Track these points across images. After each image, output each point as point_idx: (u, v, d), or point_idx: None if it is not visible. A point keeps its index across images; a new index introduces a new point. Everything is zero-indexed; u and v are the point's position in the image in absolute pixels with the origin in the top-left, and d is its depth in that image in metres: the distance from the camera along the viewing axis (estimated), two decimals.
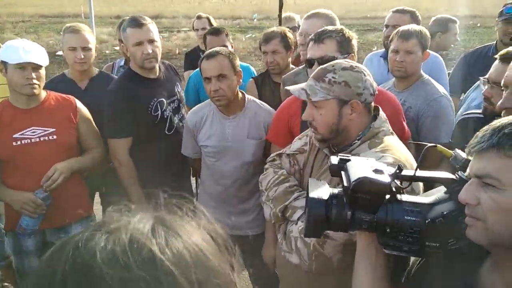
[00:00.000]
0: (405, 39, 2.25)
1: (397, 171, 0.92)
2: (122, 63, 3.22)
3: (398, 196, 0.92)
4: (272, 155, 1.84)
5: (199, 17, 4.13)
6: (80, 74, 2.57)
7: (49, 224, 2.17)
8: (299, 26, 3.11)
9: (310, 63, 1.91)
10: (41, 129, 2.11)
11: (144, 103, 2.32)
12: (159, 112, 2.38)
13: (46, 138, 2.11)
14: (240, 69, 2.18)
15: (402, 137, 1.82)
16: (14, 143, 2.06)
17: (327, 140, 1.53)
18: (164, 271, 0.46)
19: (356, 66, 1.48)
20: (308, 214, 0.94)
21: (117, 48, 12.74)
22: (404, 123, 2.03)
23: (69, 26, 2.55)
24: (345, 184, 0.92)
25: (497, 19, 2.92)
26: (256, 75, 3.02)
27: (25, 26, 19.95)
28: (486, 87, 1.81)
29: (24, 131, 2.08)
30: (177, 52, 11.53)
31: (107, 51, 11.65)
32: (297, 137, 1.79)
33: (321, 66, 1.54)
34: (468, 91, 2.49)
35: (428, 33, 2.33)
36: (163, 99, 2.41)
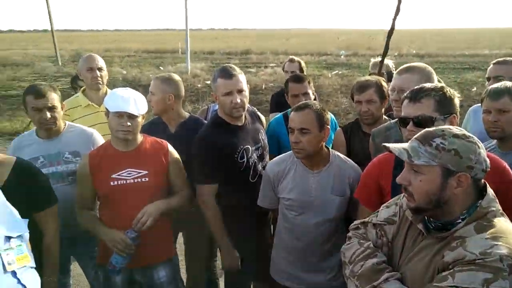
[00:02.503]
0: (495, 99, 2.05)
1: None
2: (217, 107, 3.32)
3: None
4: (355, 222, 1.68)
5: (291, 60, 4.18)
6: (170, 118, 2.72)
7: (136, 264, 2.25)
8: (391, 73, 2.97)
9: (404, 122, 1.77)
10: (136, 171, 2.23)
11: (231, 150, 2.37)
12: (245, 159, 2.40)
13: (139, 180, 2.23)
14: (329, 126, 2.14)
15: None
16: (111, 183, 2.20)
17: (422, 211, 1.36)
18: None
19: (469, 136, 1.32)
20: None
21: (208, 82, 13.55)
22: None
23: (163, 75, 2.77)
24: None
25: None
26: (335, 124, 2.92)
27: (130, 60, 22.06)
28: None
29: (121, 172, 2.22)
30: (263, 87, 11.85)
31: (199, 85, 12.37)
32: (384, 205, 1.63)
33: (427, 129, 1.39)
34: None
35: None
36: (249, 146, 2.44)
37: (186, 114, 2.81)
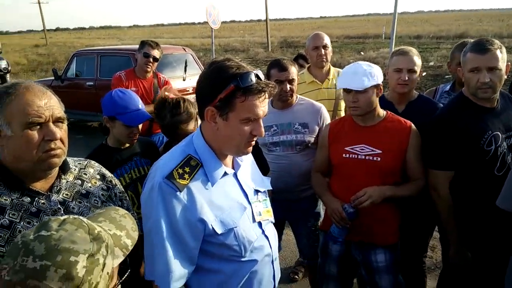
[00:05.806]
0: None
1: None
2: (447, 88, 3.00)
3: None
4: None
5: None
6: (400, 96, 2.55)
7: (354, 238, 2.25)
8: None
9: None
10: (370, 148, 2.18)
11: (477, 135, 2.07)
12: (493, 147, 2.07)
13: (371, 158, 2.16)
14: None
15: None
16: (344, 155, 2.22)
17: None
18: None
19: None
20: None
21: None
22: None
23: (398, 49, 2.57)
24: None
25: None
26: None
27: (332, 46, 22.49)
28: None
29: (355, 146, 2.21)
30: None
31: None
32: None
33: None
34: None
35: None
36: (499, 133, 2.10)
37: (415, 94, 2.61)
